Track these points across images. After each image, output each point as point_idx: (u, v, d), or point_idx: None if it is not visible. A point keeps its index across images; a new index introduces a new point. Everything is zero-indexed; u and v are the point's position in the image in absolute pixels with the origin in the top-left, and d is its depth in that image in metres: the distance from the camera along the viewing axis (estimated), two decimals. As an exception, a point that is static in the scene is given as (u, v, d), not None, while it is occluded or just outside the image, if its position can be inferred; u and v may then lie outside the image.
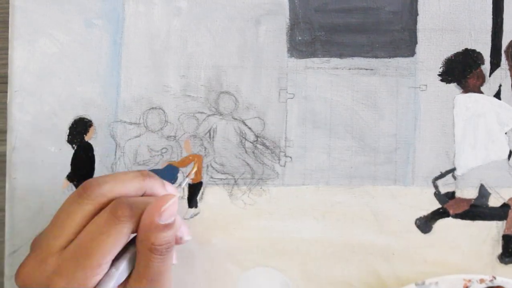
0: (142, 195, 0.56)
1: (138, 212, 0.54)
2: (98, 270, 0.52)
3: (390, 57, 0.67)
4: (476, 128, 0.66)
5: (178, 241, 0.59)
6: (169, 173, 0.67)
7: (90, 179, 0.56)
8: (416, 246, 0.66)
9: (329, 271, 0.66)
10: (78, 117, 0.66)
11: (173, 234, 0.55)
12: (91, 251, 0.52)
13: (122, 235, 0.53)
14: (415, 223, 0.66)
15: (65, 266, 0.52)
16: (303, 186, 0.67)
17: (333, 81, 0.67)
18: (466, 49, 0.66)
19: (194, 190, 0.67)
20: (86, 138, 0.66)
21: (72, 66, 0.67)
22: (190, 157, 0.67)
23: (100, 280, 0.53)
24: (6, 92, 0.67)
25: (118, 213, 0.53)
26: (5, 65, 0.67)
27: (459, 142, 0.66)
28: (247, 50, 0.67)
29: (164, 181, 0.59)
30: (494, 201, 0.66)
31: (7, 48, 0.67)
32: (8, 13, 0.66)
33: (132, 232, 0.54)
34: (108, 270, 0.53)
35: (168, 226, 0.54)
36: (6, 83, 0.67)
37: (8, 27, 0.66)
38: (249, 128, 0.67)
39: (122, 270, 0.54)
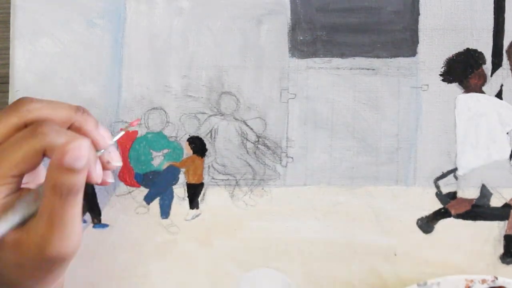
0: (69, 128, 0.55)
1: (55, 139, 0.52)
2: (2, 182, 0.52)
3: (391, 57, 0.67)
4: (478, 128, 0.66)
5: (105, 165, 0.57)
6: (170, 174, 0.67)
7: (25, 96, 0.56)
8: (417, 246, 0.66)
9: (331, 272, 0.66)
10: (79, 117, 0.66)
11: (78, 181, 0.51)
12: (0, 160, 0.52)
13: (33, 152, 0.52)
14: (417, 223, 0.66)
15: None
16: (304, 187, 0.67)
17: (335, 81, 0.67)
18: (468, 49, 0.66)
19: (195, 191, 0.67)
20: (88, 138, 0.66)
21: (74, 66, 0.66)
22: (191, 158, 0.67)
23: (15, 206, 0.52)
24: (7, 92, 0.66)
25: (37, 129, 0.52)
26: (6, 65, 0.67)
27: (460, 142, 0.66)
28: (248, 50, 0.67)
29: (99, 123, 0.57)
30: (496, 201, 0.66)
31: (8, 48, 0.67)
32: (9, 13, 0.66)
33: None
34: (21, 199, 0.52)
35: (72, 171, 0.51)
36: (7, 83, 0.67)
37: (9, 28, 0.66)
38: (251, 129, 0.67)
39: (24, 205, 0.53)
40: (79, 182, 0.51)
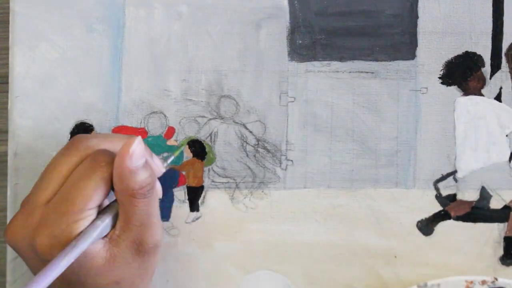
0: None
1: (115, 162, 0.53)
2: (81, 216, 0.52)
3: (390, 60, 0.67)
4: (477, 130, 0.66)
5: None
6: (170, 177, 0.67)
7: (79, 134, 0.57)
8: (418, 248, 0.66)
9: (331, 274, 0.66)
10: (79, 122, 0.66)
11: (150, 174, 0.54)
12: (72, 197, 0.52)
13: (102, 180, 0.53)
14: (417, 225, 0.66)
15: (49, 216, 0.52)
16: (304, 190, 0.67)
17: (334, 84, 0.67)
18: (467, 52, 0.66)
19: (195, 194, 0.67)
20: (88, 143, 0.66)
21: (73, 71, 0.67)
22: (191, 161, 0.67)
23: (84, 230, 0.52)
24: (6, 92, 0.67)
25: (98, 159, 0.53)
26: (6, 65, 0.67)
27: (460, 145, 0.66)
28: (247, 54, 0.67)
29: (152, 153, 0.58)
30: (496, 203, 0.66)
31: (7, 48, 0.67)
32: (8, 12, 0.66)
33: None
34: (93, 221, 0.53)
35: (142, 168, 0.53)
36: (6, 83, 0.67)
37: (8, 27, 0.66)
38: (250, 132, 0.67)
39: (107, 222, 0.53)
40: (147, 179, 0.54)
